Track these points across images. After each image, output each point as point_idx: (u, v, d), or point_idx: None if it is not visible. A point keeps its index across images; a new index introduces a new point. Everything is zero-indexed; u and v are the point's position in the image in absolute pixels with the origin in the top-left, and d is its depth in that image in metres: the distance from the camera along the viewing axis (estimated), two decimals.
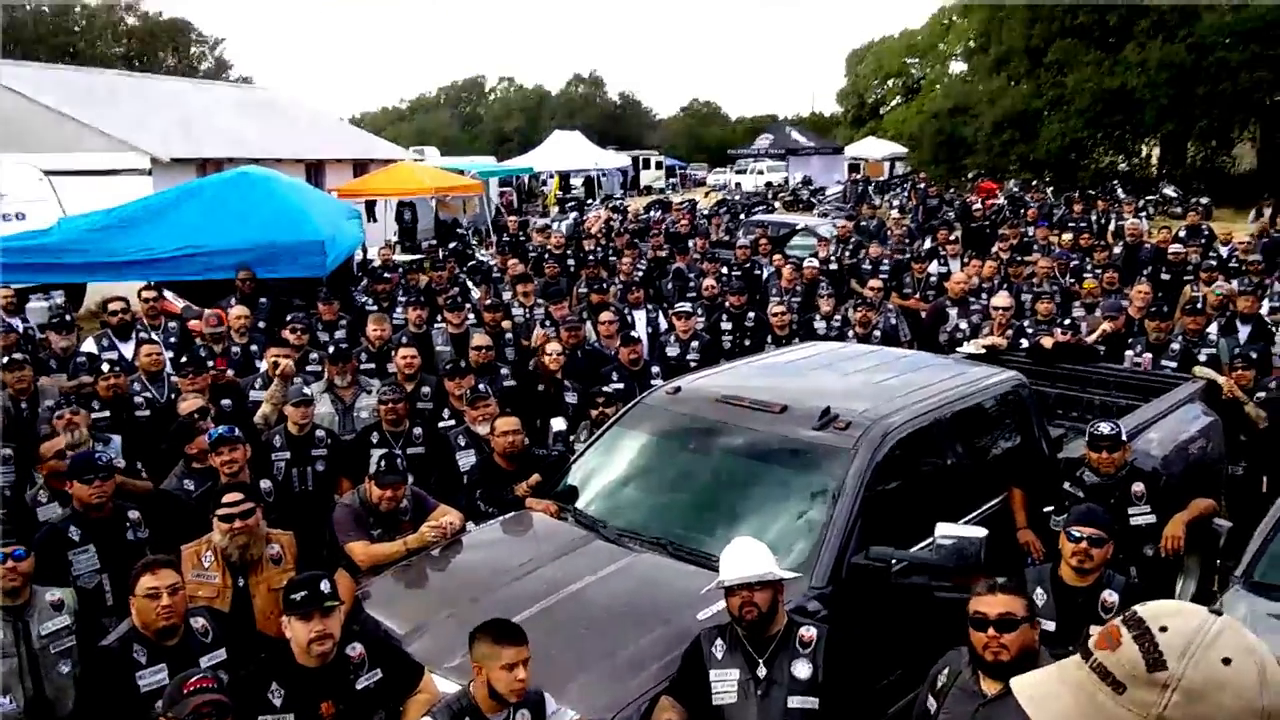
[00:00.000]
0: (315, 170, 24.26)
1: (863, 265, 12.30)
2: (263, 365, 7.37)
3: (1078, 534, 4.08)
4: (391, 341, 8.10)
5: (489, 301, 9.81)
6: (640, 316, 9.74)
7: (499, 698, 3.40)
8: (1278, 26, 26.39)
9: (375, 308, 9.72)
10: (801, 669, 3.59)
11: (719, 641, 3.70)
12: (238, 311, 8.50)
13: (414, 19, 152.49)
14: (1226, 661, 1.15)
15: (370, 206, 20.19)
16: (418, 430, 6.34)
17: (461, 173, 24.02)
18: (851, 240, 14.61)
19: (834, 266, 12.18)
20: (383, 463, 5.07)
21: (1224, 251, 12.97)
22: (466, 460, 5.99)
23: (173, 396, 6.89)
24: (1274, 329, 9.15)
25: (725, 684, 3.63)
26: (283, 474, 6.03)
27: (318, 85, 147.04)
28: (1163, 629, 1.19)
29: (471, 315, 9.47)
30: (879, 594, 4.38)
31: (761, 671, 3.62)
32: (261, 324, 8.92)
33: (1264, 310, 9.48)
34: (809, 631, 3.67)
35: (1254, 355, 7.63)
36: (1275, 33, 26.51)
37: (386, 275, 11.16)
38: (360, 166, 25.52)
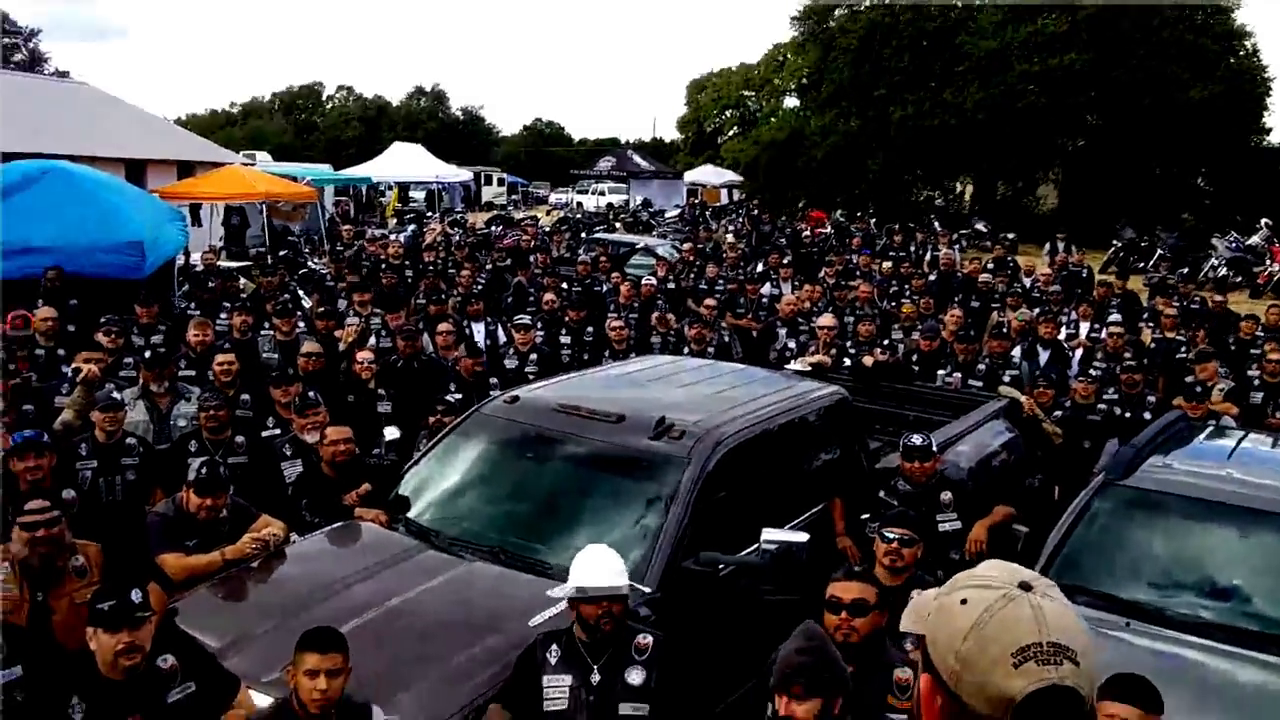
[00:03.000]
0: (137, 170, 22.95)
1: (700, 286, 12.60)
2: (70, 370, 6.94)
3: (890, 535, 4.32)
4: (214, 347, 7.78)
5: (321, 309, 9.54)
6: (479, 328, 9.68)
7: (306, 709, 3.31)
8: (1079, 78, 28.67)
9: (198, 313, 9.30)
10: (635, 676, 3.61)
11: (554, 647, 3.68)
12: (44, 313, 7.97)
13: (246, 21, 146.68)
14: (963, 602, 1.31)
15: (195, 210, 19.27)
16: (240, 438, 6.09)
17: (295, 179, 23.24)
18: (696, 264, 14.94)
19: (671, 286, 12.42)
20: (203, 469, 4.85)
21: (1027, 283, 13.95)
22: (292, 470, 5.79)
23: None
24: (1070, 354, 9.91)
25: (557, 690, 3.62)
26: (89, 483, 5.67)
27: (141, 84, 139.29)
28: (985, 569, 1.38)
29: (303, 324, 9.19)
30: (708, 598, 4.50)
31: (595, 678, 3.61)
32: (71, 327, 8.39)
33: (1061, 336, 10.26)
34: (645, 639, 3.67)
35: (1053, 377, 8.27)
36: (1076, 84, 28.78)
37: (210, 281, 10.68)
38: (186, 168, 24.31)
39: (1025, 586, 1.31)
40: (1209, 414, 7.34)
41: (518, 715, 3.61)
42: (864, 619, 3.47)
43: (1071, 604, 1.34)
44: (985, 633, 1.27)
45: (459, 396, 7.19)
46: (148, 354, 6.97)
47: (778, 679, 3.00)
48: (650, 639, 3.67)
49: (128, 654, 3.33)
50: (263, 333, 8.52)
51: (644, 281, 11.64)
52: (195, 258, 14.27)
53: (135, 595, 3.38)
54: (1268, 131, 32.59)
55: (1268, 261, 21.11)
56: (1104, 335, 9.94)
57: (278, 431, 6.35)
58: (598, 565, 3.66)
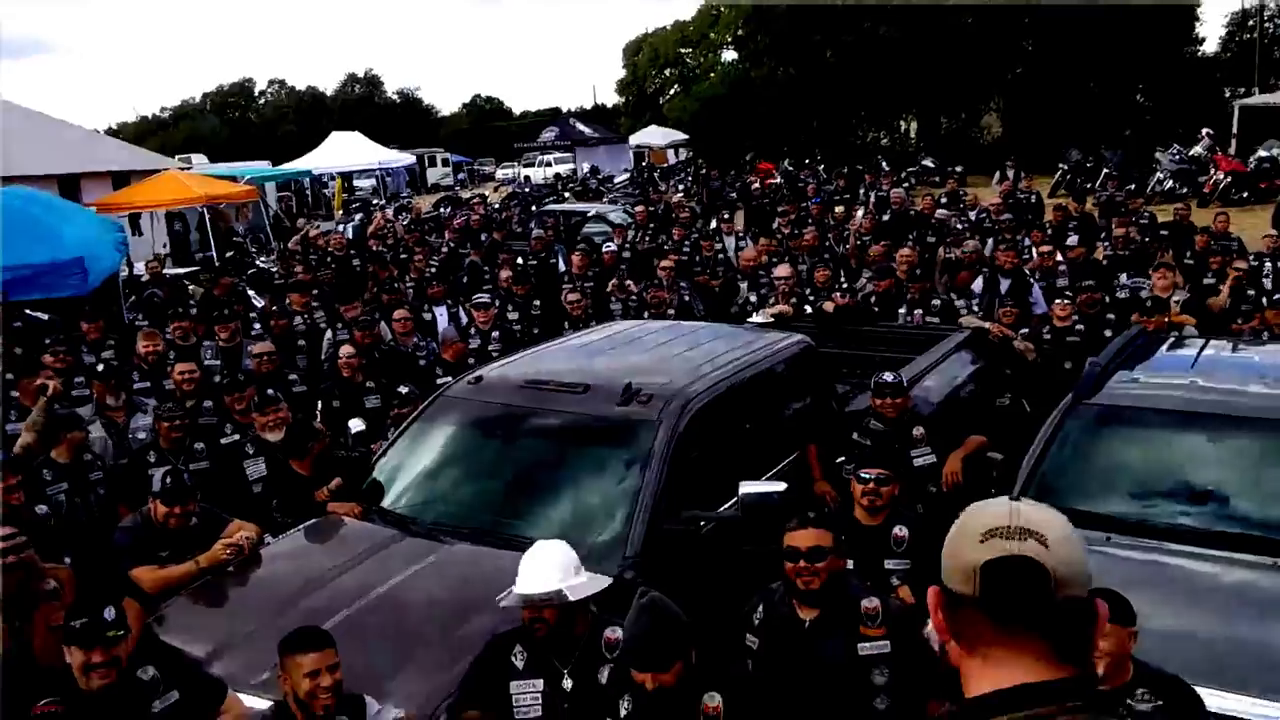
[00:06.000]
0: (70, 185, 22.38)
1: (662, 247, 12.48)
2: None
3: (866, 475, 4.32)
4: (166, 357, 7.63)
5: (274, 308, 9.38)
6: (441, 312, 9.55)
7: (308, 708, 3.26)
8: (1013, 6, 28.75)
9: (146, 323, 9.11)
10: (608, 675, 3.39)
11: (518, 648, 3.49)
12: None
13: (170, 23, 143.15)
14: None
15: (135, 220, 18.88)
16: (199, 444, 5.98)
17: (234, 179, 22.83)
18: (650, 225, 14.79)
19: (627, 254, 12.25)
20: (168, 479, 4.75)
21: (971, 215, 13.97)
22: (255, 469, 5.69)
23: None
24: (1031, 280, 9.95)
25: (528, 697, 3.43)
26: (65, 506, 5.54)
27: (67, 97, 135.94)
28: None
29: (257, 325, 9.06)
30: (692, 555, 4.49)
31: (567, 683, 3.42)
32: (19, 350, 8.19)
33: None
34: (614, 633, 3.43)
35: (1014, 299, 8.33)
36: (1013, 8, 28.86)
37: (158, 289, 10.47)
38: (121, 178, 23.77)
39: (1014, 498, 1.42)
40: (1169, 326, 7.41)
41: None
42: (822, 564, 3.44)
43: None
44: (964, 524, 1.41)
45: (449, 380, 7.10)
46: (100, 368, 6.82)
47: (637, 658, 3.00)
48: (620, 632, 3.38)
49: (100, 673, 3.28)
50: (205, 343, 8.36)
51: (605, 249, 11.54)
52: (139, 268, 13.99)
53: (108, 613, 3.33)
54: (1201, 41, 33.00)
55: (1211, 170, 21.37)
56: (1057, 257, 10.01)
57: (236, 438, 6.22)
58: (533, 567, 3.45)
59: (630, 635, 3.07)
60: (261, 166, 31.67)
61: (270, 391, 6.13)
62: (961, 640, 1.40)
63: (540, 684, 3.45)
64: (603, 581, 3.60)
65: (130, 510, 5.17)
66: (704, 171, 29.02)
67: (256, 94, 72.35)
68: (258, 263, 15.68)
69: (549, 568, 3.44)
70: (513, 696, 3.44)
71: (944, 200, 14.90)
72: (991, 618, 1.35)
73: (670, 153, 41.50)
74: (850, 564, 4.22)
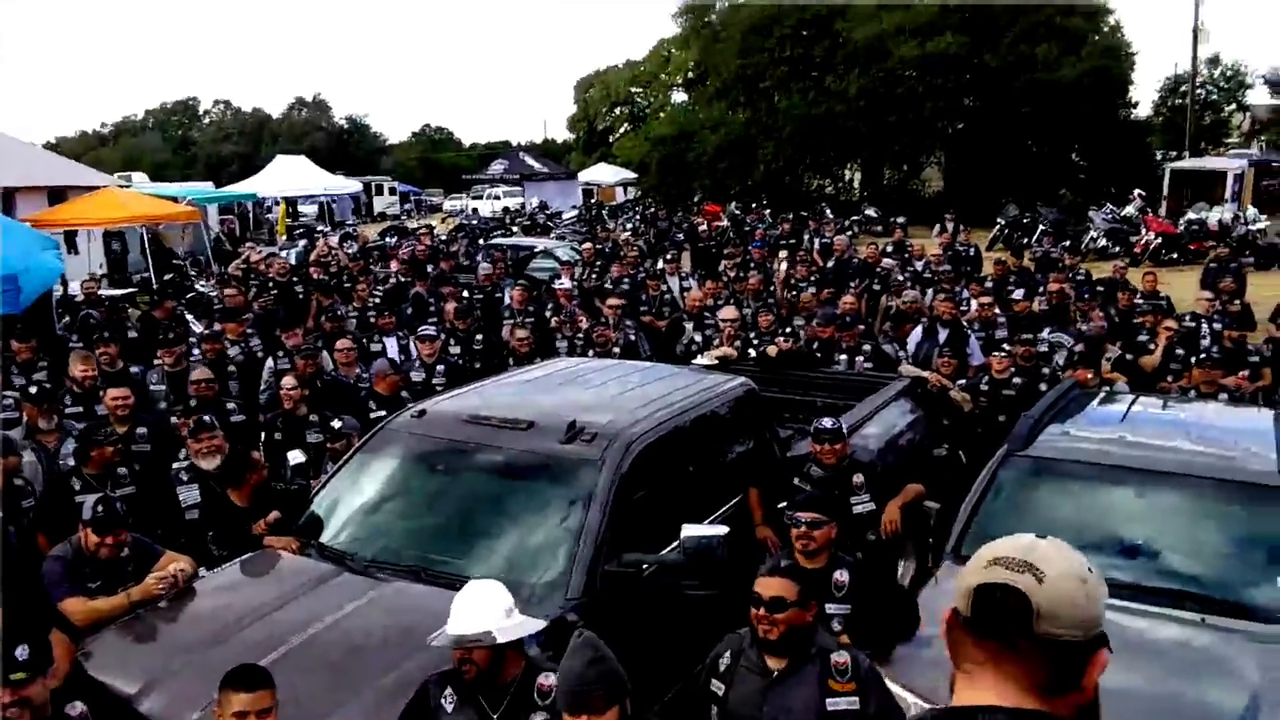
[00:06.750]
0: (4, 199, 21.85)
1: (605, 285, 12.57)
2: None
3: (800, 519, 4.36)
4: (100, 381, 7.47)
5: (209, 333, 9.25)
6: (390, 343, 9.48)
7: None
8: (957, 61, 29.57)
9: (80, 345, 8.90)
10: None
11: (449, 691, 3.44)
12: None
13: (113, 37, 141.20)
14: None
15: (70, 237, 18.46)
16: (122, 470, 5.85)
17: (175, 200, 22.46)
18: (596, 263, 14.89)
19: (575, 292, 12.29)
20: (99, 507, 4.63)
21: (918, 265, 14.29)
22: (189, 496, 5.57)
23: None
24: (969, 332, 10.18)
25: None
26: None
27: (3, 109, 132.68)
28: None
29: (196, 350, 8.91)
30: (633, 599, 4.49)
31: None
32: None
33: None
34: (548, 680, 3.34)
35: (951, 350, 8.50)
36: (955, 67, 29.68)
37: (93, 310, 10.24)
38: (58, 194, 23.24)
39: (1042, 536, 1.50)
40: (1101, 382, 7.63)
41: None
42: (782, 615, 3.43)
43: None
44: (982, 551, 1.50)
45: (382, 414, 7.03)
46: (33, 390, 6.65)
47: (572, 700, 2.90)
48: (554, 679, 3.28)
49: (13, 712, 3.16)
50: (137, 367, 8.21)
51: (559, 286, 11.57)
52: (74, 287, 13.66)
53: (20, 652, 3.17)
54: (1134, 105, 34.26)
55: (1142, 230, 22.10)
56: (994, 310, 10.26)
57: (188, 463, 6.10)
58: (464, 608, 3.39)
59: (565, 675, 2.99)
60: (204, 188, 31.19)
61: (206, 418, 6.02)
62: (954, 657, 1.50)
63: None
64: (536, 624, 3.55)
65: (49, 539, 5.02)
66: (651, 211, 29.24)
67: (201, 113, 71.53)
68: (197, 286, 15.41)
69: (480, 608, 3.38)
70: None
71: (889, 249, 15.21)
72: (972, 636, 1.45)
73: (619, 191, 41.83)
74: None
